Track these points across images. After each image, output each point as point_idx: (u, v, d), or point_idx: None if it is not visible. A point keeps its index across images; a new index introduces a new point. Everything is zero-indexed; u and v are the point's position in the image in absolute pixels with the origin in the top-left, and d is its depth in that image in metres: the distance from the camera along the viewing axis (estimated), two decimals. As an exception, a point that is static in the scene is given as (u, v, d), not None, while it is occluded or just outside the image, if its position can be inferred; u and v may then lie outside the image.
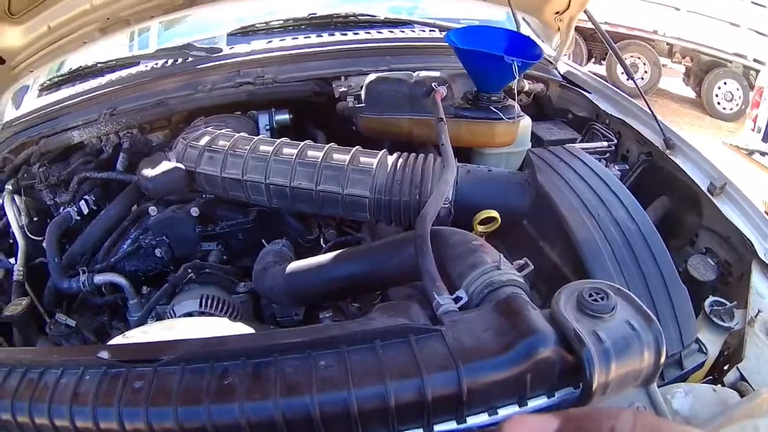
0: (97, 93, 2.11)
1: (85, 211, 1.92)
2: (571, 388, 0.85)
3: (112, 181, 1.99)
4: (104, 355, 0.85)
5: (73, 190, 1.93)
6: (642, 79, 9.20)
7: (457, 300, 0.96)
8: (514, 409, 0.83)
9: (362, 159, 1.55)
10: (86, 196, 1.93)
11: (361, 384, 0.79)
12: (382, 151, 1.57)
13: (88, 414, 0.80)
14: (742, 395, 1.12)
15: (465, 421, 0.82)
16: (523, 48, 1.77)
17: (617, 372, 0.79)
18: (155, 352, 0.86)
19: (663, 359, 0.82)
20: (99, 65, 2.35)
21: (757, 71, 7.63)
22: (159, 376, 0.83)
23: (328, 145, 1.60)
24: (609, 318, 0.83)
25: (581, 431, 0.50)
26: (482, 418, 0.83)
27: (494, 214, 1.39)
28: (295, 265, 1.46)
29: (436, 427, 0.83)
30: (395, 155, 1.56)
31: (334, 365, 0.83)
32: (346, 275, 1.30)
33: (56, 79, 2.37)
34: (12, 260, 1.83)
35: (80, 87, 2.21)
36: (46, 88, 2.35)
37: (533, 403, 0.84)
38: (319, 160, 1.54)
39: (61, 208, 1.91)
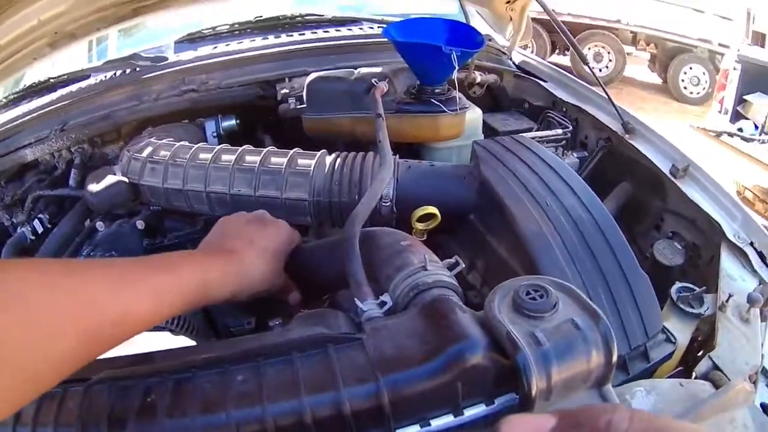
0: (47, 109, 2.04)
1: (40, 230, 1.84)
2: (513, 394, 0.75)
3: (66, 198, 1.92)
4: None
5: (28, 209, 1.87)
6: (607, 67, 9.33)
7: (382, 305, 0.88)
8: (449, 419, 0.75)
9: (300, 161, 1.47)
10: (40, 215, 1.86)
11: (276, 399, 0.72)
12: (321, 151, 1.49)
13: None
14: (715, 385, 1.04)
15: None
16: (466, 37, 1.70)
17: (560, 376, 0.70)
18: (89, 371, 0.77)
19: (614, 358, 0.73)
20: (51, 80, 2.29)
21: (723, 55, 7.69)
22: (89, 395, 0.76)
23: (266, 149, 1.53)
24: (549, 317, 0.74)
25: (578, 427, 0.50)
26: (413, 430, 0.74)
27: (432, 210, 1.31)
28: None
29: None
30: (334, 155, 1.48)
31: (250, 380, 0.76)
32: (299, 280, 1.20)
33: (11, 97, 2.31)
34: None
35: (33, 103, 2.14)
36: (2, 107, 2.27)
37: (470, 412, 0.75)
38: (257, 165, 1.47)
39: (18, 228, 1.84)
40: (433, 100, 1.69)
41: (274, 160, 1.49)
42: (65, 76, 2.29)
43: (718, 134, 4.98)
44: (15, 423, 0.76)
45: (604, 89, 2.05)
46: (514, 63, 2.47)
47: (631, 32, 9.45)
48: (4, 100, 2.30)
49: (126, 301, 0.73)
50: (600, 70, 9.15)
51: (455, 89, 1.72)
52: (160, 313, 0.79)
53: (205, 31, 2.52)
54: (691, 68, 8.87)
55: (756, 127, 5.47)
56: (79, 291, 0.68)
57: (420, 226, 1.34)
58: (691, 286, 1.29)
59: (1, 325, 0.58)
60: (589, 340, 0.72)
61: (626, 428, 0.46)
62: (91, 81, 2.18)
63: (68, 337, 0.65)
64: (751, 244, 1.45)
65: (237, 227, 1.06)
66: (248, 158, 1.51)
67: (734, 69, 6.12)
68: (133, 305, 0.75)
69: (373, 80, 1.72)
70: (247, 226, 1.06)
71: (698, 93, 8.84)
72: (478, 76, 2.28)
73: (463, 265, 0.98)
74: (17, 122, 2.01)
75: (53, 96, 2.13)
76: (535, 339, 0.70)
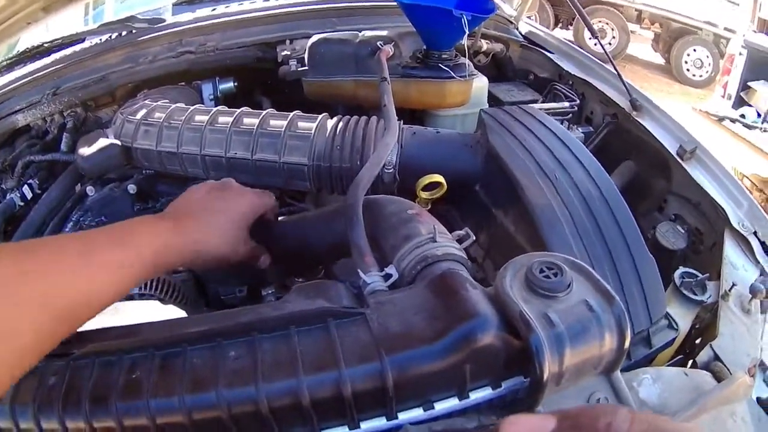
0: (40, 73, 1.99)
1: (29, 195, 1.82)
2: (521, 378, 0.73)
3: (57, 162, 1.88)
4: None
5: (18, 174, 1.83)
6: (610, 44, 9.29)
7: (387, 277, 0.84)
8: (454, 402, 0.72)
9: (300, 124, 1.42)
10: (30, 180, 1.83)
11: (272, 378, 0.68)
12: (322, 115, 1.44)
13: (7, 413, 0.71)
14: (716, 377, 1.01)
15: (396, 417, 0.71)
16: (476, 1, 1.64)
17: (572, 360, 0.66)
18: (71, 345, 0.76)
19: (627, 343, 0.70)
20: (45, 44, 2.22)
21: (728, 39, 7.64)
22: (71, 370, 0.73)
23: (265, 111, 1.48)
24: (563, 297, 0.70)
25: (578, 429, 0.49)
26: (417, 413, 0.71)
27: (439, 178, 1.27)
28: None
29: (364, 425, 0.71)
30: (335, 119, 1.44)
31: (244, 356, 0.71)
32: (278, 250, 1.16)
33: (4, 63, 2.23)
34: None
35: (26, 69, 2.09)
36: None
37: (476, 395, 0.72)
38: (255, 127, 1.43)
39: (8, 195, 1.81)
40: (440, 66, 1.64)
41: (273, 122, 1.45)
42: (59, 40, 2.23)
43: (720, 119, 4.94)
44: None
45: (613, 64, 2.00)
46: (520, 33, 2.41)
47: (636, 10, 9.36)
48: None
49: (89, 280, 0.71)
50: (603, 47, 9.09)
51: (463, 56, 1.68)
52: (123, 286, 0.77)
53: (204, -8, 2.46)
54: (694, 50, 8.80)
55: (759, 114, 5.43)
56: (40, 274, 0.66)
57: (425, 195, 1.30)
58: (694, 272, 1.26)
59: None
60: (603, 323, 0.68)
61: (627, 430, 0.46)
62: (86, 44, 2.13)
63: (34, 322, 0.63)
64: (755, 233, 1.43)
65: (198, 195, 1.02)
66: (246, 120, 1.47)
67: (740, 54, 6.07)
68: (96, 283, 0.72)
69: (378, 43, 1.67)
70: (209, 193, 1.03)
71: (701, 76, 8.78)
72: (485, 45, 2.23)
73: (473, 238, 0.94)
74: (9, 88, 1.97)
75: (47, 60, 2.08)
76: (549, 320, 0.66)
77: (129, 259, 0.78)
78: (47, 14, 1.90)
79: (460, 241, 0.92)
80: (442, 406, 0.71)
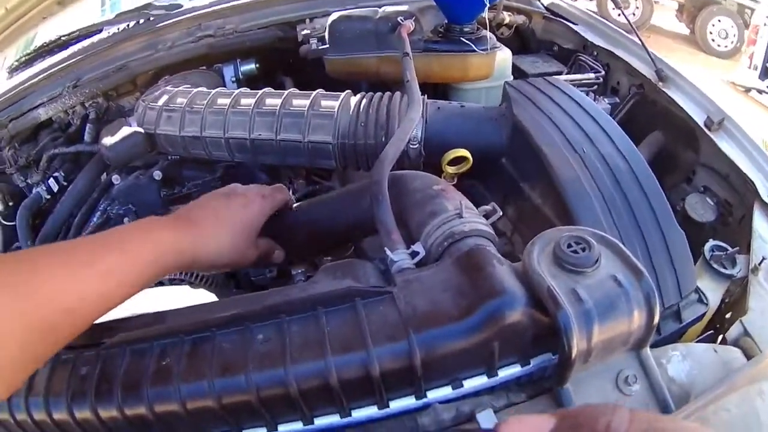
0: (59, 67, 1.99)
1: (55, 188, 1.84)
2: (549, 355, 0.72)
3: (81, 154, 1.90)
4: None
5: (43, 168, 1.87)
6: (633, 14, 9.15)
7: (413, 255, 0.83)
8: (482, 380, 0.72)
9: (323, 103, 1.42)
10: (56, 173, 1.86)
11: (300, 359, 0.69)
12: (345, 92, 1.44)
13: (41, 405, 0.73)
14: (746, 353, 0.99)
15: (425, 396, 0.71)
16: (498, -27, 1.63)
17: (601, 336, 0.66)
18: (102, 335, 0.78)
19: (656, 320, 0.69)
20: (63, 38, 2.26)
21: (753, 10, 7.51)
22: (102, 360, 0.75)
23: (287, 91, 1.47)
24: (591, 272, 0.69)
25: (578, 428, 0.50)
26: (445, 391, 0.72)
27: (464, 153, 1.26)
28: None
29: (393, 404, 0.72)
30: (359, 96, 1.43)
31: (273, 338, 0.72)
32: (306, 229, 1.17)
33: (23, 58, 2.27)
34: (-10, 247, 1.76)
35: (46, 63, 2.10)
36: (15, 69, 2.24)
37: (504, 373, 0.72)
38: (278, 107, 1.42)
39: (33, 189, 1.85)
40: (462, 39, 1.63)
41: (296, 102, 1.44)
42: (77, 33, 2.25)
43: (747, 89, 4.88)
44: (27, 393, 0.74)
45: (637, 34, 1.97)
46: (542, 4, 2.38)
47: (660, -21, 9.29)
48: (16, 63, 2.27)
49: (76, 289, 0.70)
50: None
51: (485, 29, 1.67)
52: (116, 295, 0.76)
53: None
54: (719, 21, 8.65)
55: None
56: (24, 285, 0.66)
57: (451, 169, 1.29)
58: (724, 245, 1.24)
59: None
60: (632, 299, 0.68)
61: (626, 429, 0.46)
62: (104, 35, 2.14)
63: (19, 335, 0.63)
64: (785, 205, 1.39)
65: (208, 201, 1.02)
66: (269, 101, 1.46)
67: (765, 25, 5.97)
68: (84, 292, 0.71)
69: (399, 18, 1.66)
70: (214, 200, 1.03)
71: (726, 46, 8.64)
72: (507, 17, 2.21)
73: (500, 213, 0.93)
74: (29, 83, 1.98)
75: (65, 53, 2.09)
76: (577, 296, 0.66)
77: (118, 265, 0.76)
78: (63, 7, 1.93)
79: (486, 216, 0.91)
80: (470, 384, 0.71)
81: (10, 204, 1.87)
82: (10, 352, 0.62)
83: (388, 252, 0.83)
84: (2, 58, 2.11)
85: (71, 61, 1.99)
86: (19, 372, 0.64)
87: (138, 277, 0.79)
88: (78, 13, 2.26)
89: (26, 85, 1.97)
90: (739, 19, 8.37)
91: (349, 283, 0.78)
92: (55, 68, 1.98)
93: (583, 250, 0.70)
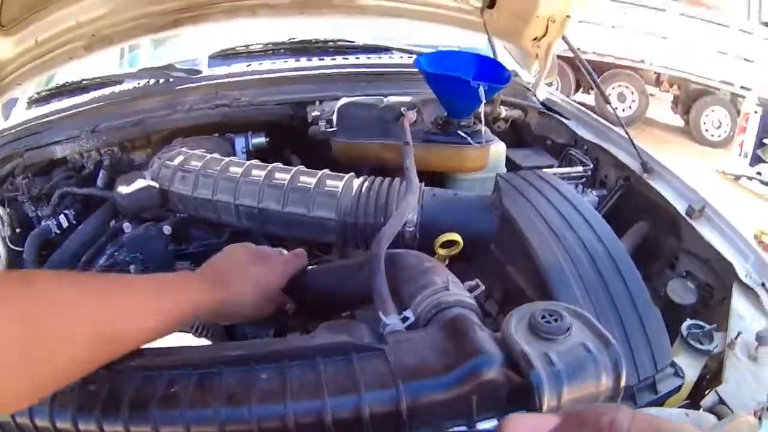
0: (80, 109, 2.13)
1: (65, 224, 1.92)
2: (524, 411, 0.79)
3: (92, 197, 1.99)
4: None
5: (54, 204, 1.94)
6: (630, 108, 9.32)
7: (404, 320, 0.92)
8: (462, 429, 0.80)
9: (328, 182, 1.52)
10: (66, 211, 1.94)
11: (298, 398, 0.77)
12: (349, 174, 1.54)
13: (45, 413, 0.79)
14: (720, 419, 1.07)
15: None
16: (493, 72, 1.76)
17: (570, 396, 0.73)
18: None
19: (623, 383, 0.77)
20: (85, 82, 2.38)
21: (744, 97, 7.68)
22: (113, 379, 0.82)
23: (296, 168, 1.58)
24: (562, 340, 0.77)
25: (581, 426, 0.50)
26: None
27: (455, 237, 1.36)
28: None
29: None
30: (361, 179, 1.53)
31: (275, 378, 0.80)
32: (305, 297, 1.25)
33: (44, 93, 2.41)
34: (-6, 270, 1.83)
35: (66, 102, 2.23)
36: (35, 101, 2.38)
37: (483, 426, 0.80)
38: (286, 182, 1.52)
39: (42, 221, 1.92)
40: (459, 132, 1.74)
41: (303, 179, 1.54)
42: (99, 79, 2.38)
43: (737, 177, 4.98)
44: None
45: (624, 128, 2.08)
46: (538, 100, 2.50)
47: (655, 73, 9.46)
48: (36, 96, 2.40)
49: (123, 320, 0.81)
50: (623, 110, 9.16)
51: (481, 123, 1.78)
52: (153, 333, 0.86)
53: (239, 49, 2.61)
54: (713, 111, 8.85)
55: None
56: (89, 306, 0.76)
57: (442, 252, 1.38)
58: (701, 323, 1.31)
59: (15, 337, 0.66)
60: (600, 363, 0.75)
61: (628, 427, 0.47)
62: (125, 86, 2.27)
63: (72, 351, 0.72)
64: (763, 284, 1.47)
65: (237, 258, 1.12)
66: (278, 175, 1.56)
67: (755, 112, 6.12)
68: (129, 324, 0.82)
69: (402, 109, 1.78)
70: (245, 256, 1.13)
71: (719, 136, 8.81)
72: (504, 111, 2.33)
73: (483, 288, 1.03)
74: (49, 119, 2.10)
75: (86, 97, 2.22)
76: (549, 359, 0.74)
77: (162, 308, 0.88)
78: (88, 53, 2.04)
79: (471, 290, 1.01)
80: (451, 433, 0.79)
81: (18, 230, 1.94)
82: (60, 363, 0.71)
83: (382, 315, 0.92)
84: (23, 90, 2.19)
85: (92, 106, 2.12)
86: (59, 380, 0.73)
87: (174, 321, 0.90)
88: (97, 61, 2.35)
89: (46, 120, 2.09)
90: (731, 107, 8.57)
91: (346, 338, 0.86)
92: (76, 110, 2.10)
93: (556, 320, 0.79)
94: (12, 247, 1.88)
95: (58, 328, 0.71)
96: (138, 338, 0.83)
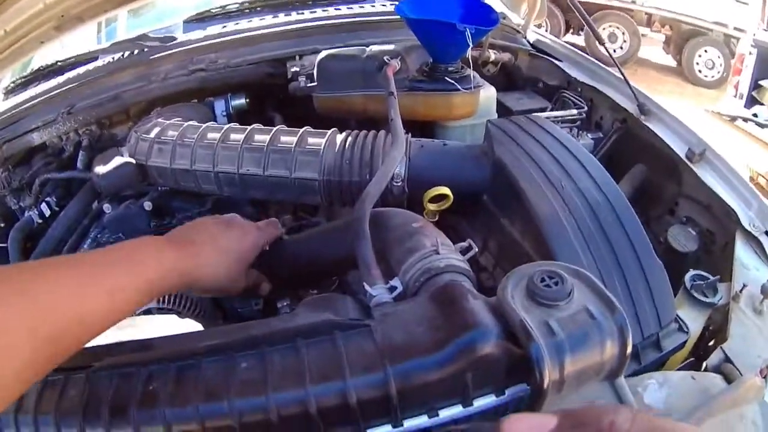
0: (54, 92, 2.06)
1: (47, 213, 1.87)
2: (524, 385, 0.74)
3: (73, 180, 1.93)
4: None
5: (35, 192, 1.90)
6: (621, 48, 9.26)
7: (391, 290, 0.86)
8: (458, 409, 0.73)
9: (310, 140, 1.45)
10: (48, 198, 1.88)
11: (280, 387, 0.71)
12: (331, 130, 1.47)
13: (30, 422, 0.75)
14: (726, 378, 1.01)
15: (401, 425, 0.73)
16: (480, 14, 1.67)
17: (573, 367, 0.67)
18: (91, 359, 0.80)
19: (629, 350, 0.71)
20: (59, 63, 2.32)
21: (738, 39, 7.59)
22: (90, 383, 0.77)
23: (275, 128, 1.51)
24: (564, 306, 0.71)
25: (581, 426, 0.49)
26: (421, 420, 0.73)
27: (445, 190, 1.29)
28: None
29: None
30: (344, 134, 1.46)
31: (255, 367, 0.75)
32: (290, 263, 1.21)
33: (19, 81, 2.34)
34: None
35: (42, 87, 2.16)
36: (10, 91, 2.32)
37: (479, 403, 0.74)
38: (266, 144, 1.45)
39: (26, 212, 1.87)
40: (446, 78, 1.66)
41: (283, 139, 1.47)
42: (73, 59, 2.31)
43: (733, 119, 4.93)
44: (16, 411, 0.76)
45: (620, 69, 2.02)
46: (528, 42, 2.43)
47: (646, 13, 9.33)
48: (12, 85, 2.33)
49: (83, 303, 0.72)
50: (614, 51, 9.08)
51: (469, 67, 1.70)
52: (119, 310, 0.78)
53: (214, 10, 2.52)
54: (706, 51, 8.76)
55: (771, 112, 5.41)
56: (33, 296, 0.66)
57: (432, 206, 1.32)
58: (704, 274, 1.27)
59: None
60: (604, 330, 0.69)
61: (628, 428, 0.46)
62: (99, 63, 2.19)
63: (26, 345, 0.63)
64: (766, 232, 1.43)
65: (205, 226, 1.06)
66: (257, 137, 1.49)
67: (750, 54, 6.05)
68: (91, 306, 0.73)
69: (385, 58, 1.70)
70: (215, 226, 1.07)
71: (713, 77, 8.74)
72: (492, 55, 2.25)
73: (476, 250, 0.96)
74: (24, 107, 2.03)
75: (60, 79, 2.14)
76: (549, 329, 0.68)
77: (124, 282, 0.79)
78: (60, 33, 1.94)
79: (463, 252, 0.94)
80: (446, 414, 0.73)
81: (2, 225, 1.92)
82: (13, 363, 0.62)
83: (367, 287, 0.86)
84: None
85: (66, 88, 2.05)
86: (21, 383, 0.64)
87: (142, 295, 0.82)
88: (74, 39, 2.32)
89: (21, 108, 2.02)
90: (725, 48, 8.47)
91: (329, 316, 0.80)
92: (50, 93, 2.03)
93: (556, 284, 0.72)
94: None
95: (8, 327, 0.62)
96: (93, 324, 0.74)
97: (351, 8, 2.44)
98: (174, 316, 1.41)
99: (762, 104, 5.73)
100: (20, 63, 2.15)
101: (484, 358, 0.70)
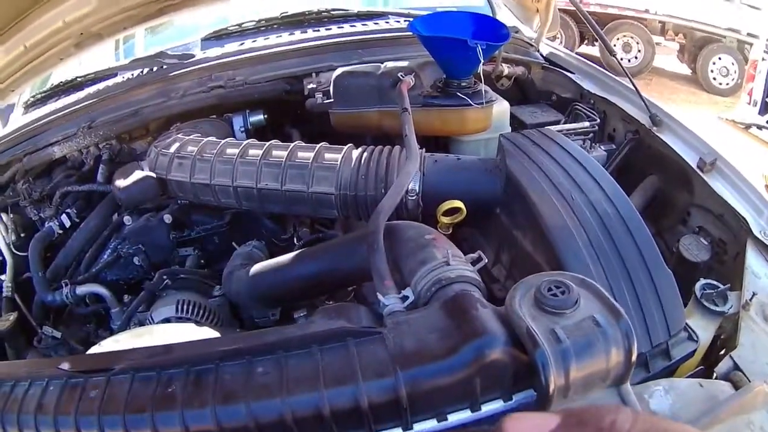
0: (75, 107, 2.09)
1: (68, 224, 1.92)
2: (531, 391, 0.76)
3: (93, 193, 1.98)
4: (65, 366, 0.85)
5: (56, 204, 1.93)
6: (636, 58, 9.18)
7: (404, 299, 0.89)
8: (466, 414, 0.76)
9: (327, 155, 1.49)
10: (68, 210, 1.93)
11: (296, 391, 0.75)
12: (347, 146, 1.50)
13: (50, 423, 0.79)
14: (735, 386, 1.02)
15: (411, 428, 0.76)
16: (491, 30, 1.70)
17: (578, 374, 0.70)
18: (111, 362, 0.84)
19: (634, 357, 0.73)
20: (78, 79, 2.35)
21: (752, 45, 7.51)
22: (111, 385, 0.81)
23: (293, 144, 1.55)
24: (570, 314, 0.74)
25: (582, 426, 0.49)
26: (431, 424, 0.76)
27: (458, 204, 1.32)
28: (257, 267, 1.45)
29: None
30: (360, 149, 1.50)
31: (271, 372, 0.78)
32: (307, 275, 1.26)
33: (39, 96, 2.38)
34: (2, 276, 1.85)
35: (62, 102, 2.21)
36: (30, 105, 2.36)
37: (487, 408, 0.76)
38: (284, 159, 1.49)
39: (46, 223, 1.91)
40: (459, 94, 1.69)
41: (300, 154, 1.51)
42: (92, 75, 2.35)
43: (747, 126, 4.87)
44: (37, 411, 0.80)
45: (631, 80, 2.03)
46: (541, 55, 2.44)
47: (660, 22, 9.28)
48: (32, 99, 2.37)
49: None
50: (629, 61, 9.02)
51: (481, 82, 1.72)
52: None
53: (231, 28, 2.55)
54: (720, 58, 8.69)
55: (786, 119, 5.33)
56: None
57: (446, 219, 1.35)
58: (715, 283, 1.27)
59: None
60: (609, 338, 0.72)
61: (629, 428, 0.46)
62: (118, 79, 2.23)
63: None
64: (777, 240, 1.42)
65: None
66: (275, 153, 1.53)
67: (763, 59, 5.98)
68: None
69: (399, 74, 1.73)
70: None
71: (727, 84, 8.66)
72: (506, 69, 2.28)
73: (486, 260, 0.99)
74: (45, 120, 2.07)
75: (80, 94, 2.19)
76: (555, 336, 0.71)
77: None
78: (79, 50, 2.01)
79: (473, 263, 0.97)
80: (455, 418, 0.76)
81: (22, 235, 1.95)
82: None
83: (380, 296, 0.89)
84: (18, 95, 2.20)
85: (86, 103, 2.09)
86: None
87: None
88: (92, 56, 2.35)
89: (42, 122, 2.06)
90: (739, 55, 8.40)
91: (343, 323, 0.84)
92: (71, 108, 2.07)
93: (563, 293, 0.75)
94: (17, 253, 1.88)
95: None
96: None
97: (365, 25, 2.47)
98: (192, 325, 1.44)
99: (776, 111, 5.67)
100: (40, 78, 2.23)
101: (492, 364, 0.73)
